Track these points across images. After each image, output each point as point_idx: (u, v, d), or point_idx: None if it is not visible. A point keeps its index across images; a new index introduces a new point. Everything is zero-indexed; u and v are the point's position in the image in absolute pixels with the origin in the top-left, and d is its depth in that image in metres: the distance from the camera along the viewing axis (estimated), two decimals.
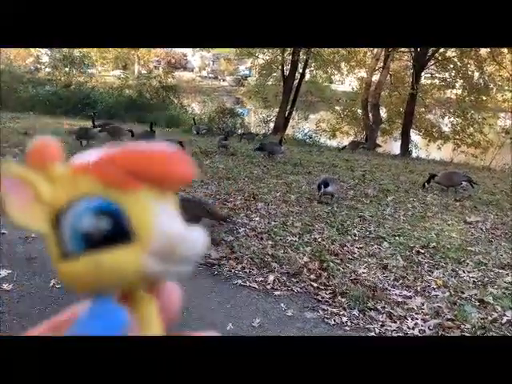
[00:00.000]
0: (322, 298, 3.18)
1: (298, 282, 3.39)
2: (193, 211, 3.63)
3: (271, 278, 3.39)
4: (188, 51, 48.11)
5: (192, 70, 48.21)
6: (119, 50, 28.33)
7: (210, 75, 46.60)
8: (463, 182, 7.59)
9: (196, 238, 0.28)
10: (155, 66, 32.58)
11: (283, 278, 3.44)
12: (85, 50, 19.50)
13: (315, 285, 3.35)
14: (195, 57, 51.66)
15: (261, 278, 3.39)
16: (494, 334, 2.83)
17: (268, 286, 3.28)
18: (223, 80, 44.14)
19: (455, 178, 7.60)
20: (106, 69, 31.48)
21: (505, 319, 3.02)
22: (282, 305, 3.03)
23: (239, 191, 6.10)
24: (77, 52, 19.44)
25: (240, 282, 3.33)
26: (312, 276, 3.48)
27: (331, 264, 3.71)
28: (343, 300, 3.13)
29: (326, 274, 3.51)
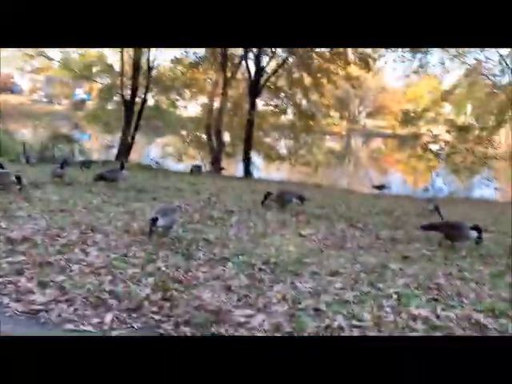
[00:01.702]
0: (165, 330, 3.02)
1: (138, 317, 3.18)
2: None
3: (109, 317, 3.10)
4: (15, 72, 43.40)
5: (20, 93, 43.66)
6: None
7: (44, 99, 42.85)
8: (294, 200, 8.30)
9: None
10: None
11: (123, 315, 3.18)
12: None
13: (157, 317, 3.17)
14: (24, 79, 46.96)
15: (97, 319, 3.08)
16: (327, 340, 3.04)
17: (105, 327, 2.99)
18: (58, 104, 40.98)
19: (286, 197, 8.28)
20: None
21: (335, 324, 3.28)
22: None
23: (75, 224, 5.57)
24: None
25: (72, 326, 2.97)
26: (154, 308, 3.30)
27: (175, 293, 3.59)
28: (186, 329, 3.02)
29: (168, 304, 3.37)
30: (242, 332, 3.06)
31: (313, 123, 19.54)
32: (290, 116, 20.32)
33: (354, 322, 3.33)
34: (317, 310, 3.53)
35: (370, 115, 48.91)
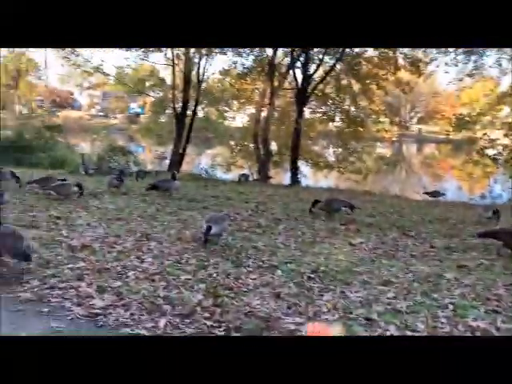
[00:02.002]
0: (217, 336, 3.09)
1: (190, 322, 3.27)
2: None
3: (162, 322, 3.22)
4: (75, 90, 46.09)
5: (80, 109, 46.24)
6: None
7: (100, 113, 45.11)
8: (343, 208, 8.20)
9: None
10: (38, 106, 30.61)
11: (176, 320, 3.29)
12: None
13: (209, 323, 3.25)
14: (83, 95, 49.63)
15: (151, 324, 3.20)
16: None
17: (159, 332, 3.10)
18: (114, 118, 42.95)
19: (335, 205, 8.19)
20: None
21: (388, 334, 3.21)
22: None
23: (130, 232, 5.82)
24: None
25: (128, 330, 3.10)
26: (206, 314, 3.38)
27: (225, 299, 3.66)
28: (237, 335, 3.08)
29: (219, 310, 3.44)
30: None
31: (362, 130, 19.24)
32: (338, 123, 20.11)
33: (408, 333, 3.25)
34: (368, 319, 3.47)
35: (421, 120, 47.40)
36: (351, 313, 3.59)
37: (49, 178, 8.92)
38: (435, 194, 13.99)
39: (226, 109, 22.19)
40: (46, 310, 3.33)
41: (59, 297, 3.58)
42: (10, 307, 3.34)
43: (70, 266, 4.28)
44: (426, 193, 14.24)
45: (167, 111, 20.82)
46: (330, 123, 20.53)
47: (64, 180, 8.82)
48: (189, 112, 19.08)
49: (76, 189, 8.04)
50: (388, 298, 3.96)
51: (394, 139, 27.85)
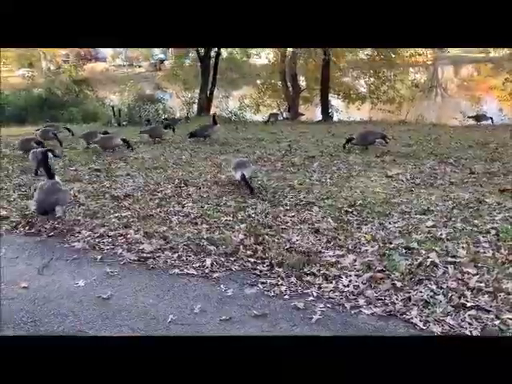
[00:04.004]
0: (261, 271, 3.23)
1: (235, 260, 3.42)
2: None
3: (209, 261, 3.38)
4: None
5: (105, 60, 45.90)
6: None
7: (125, 63, 44.68)
8: (377, 140, 8.02)
9: None
10: (64, 61, 30.62)
11: (221, 259, 3.45)
12: None
13: (252, 260, 3.39)
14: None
15: (198, 264, 3.38)
16: (421, 277, 3.04)
17: (206, 270, 3.28)
18: (139, 66, 42.51)
19: (369, 137, 8.01)
20: (10, 69, 29.13)
21: (429, 261, 3.26)
22: (222, 286, 3.04)
23: (168, 179, 5.98)
24: None
25: (177, 271, 3.29)
26: (249, 252, 3.52)
27: (266, 237, 3.78)
28: (280, 270, 3.20)
29: (261, 247, 3.57)
30: (334, 271, 3.17)
31: (394, 56, 18.25)
32: (368, 51, 19.11)
33: (449, 259, 3.28)
34: (408, 248, 3.51)
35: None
36: (391, 243, 3.63)
37: (92, 132, 9.16)
38: (481, 117, 13.29)
39: None
40: (99, 257, 3.56)
41: (110, 244, 3.80)
42: (66, 257, 3.59)
43: (116, 215, 4.49)
44: (471, 117, 13.58)
45: (191, 54, 20.38)
46: (360, 52, 19.53)
47: (106, 133, 9.02)
48: (212, 53, 18.60)
49: (120, 141, 8.22)
50: (427, 227, 3.97)
51: (428, 63, 26.32)
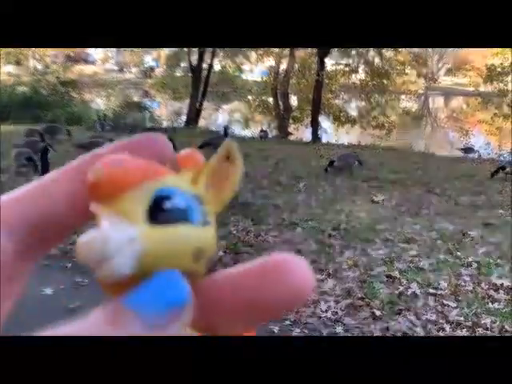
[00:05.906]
0: None
1: None
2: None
3: None
4: None
5: (94, 63, 45.66)
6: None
7: (115, 68, 44.48)
8: (356, 162, 8.04)
9: None
10: (53, 61, 30.33)
11: None
12: None
13: None
14: (97, 49, 48.96)
15: None
16: (401, 308, 2.97)
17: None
18: (129, 72, 42.44)
19: (350, 159, 8.03)
20: None
21: (409, 291, 3.19)
22: None
23: None
24: None
25: None
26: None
27: (245, 255, 3.67)
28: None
29: None
30: (312, 296, 3.07)
31: (386, 82, 18.52)
32: (361, 75, 19.38)
33: (430, 290, 3.22)
34: (390, 276, 3.44)
35: (449, 72, 45.44)
36: (372, 270, 3.56)
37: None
38: (469, 150, 13.48)
39: (244, 61, 21.61)
40: (69, 265, 3.40)
41: None
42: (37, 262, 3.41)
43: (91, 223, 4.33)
44: (460, 149, 13.78)
45: (182, 64, 20.38)
46: (353, 75, 19.81)
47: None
48: (205, 65, 18.63)
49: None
50: (411, 256, 3.91)
51: (420, 92, 26.81)
